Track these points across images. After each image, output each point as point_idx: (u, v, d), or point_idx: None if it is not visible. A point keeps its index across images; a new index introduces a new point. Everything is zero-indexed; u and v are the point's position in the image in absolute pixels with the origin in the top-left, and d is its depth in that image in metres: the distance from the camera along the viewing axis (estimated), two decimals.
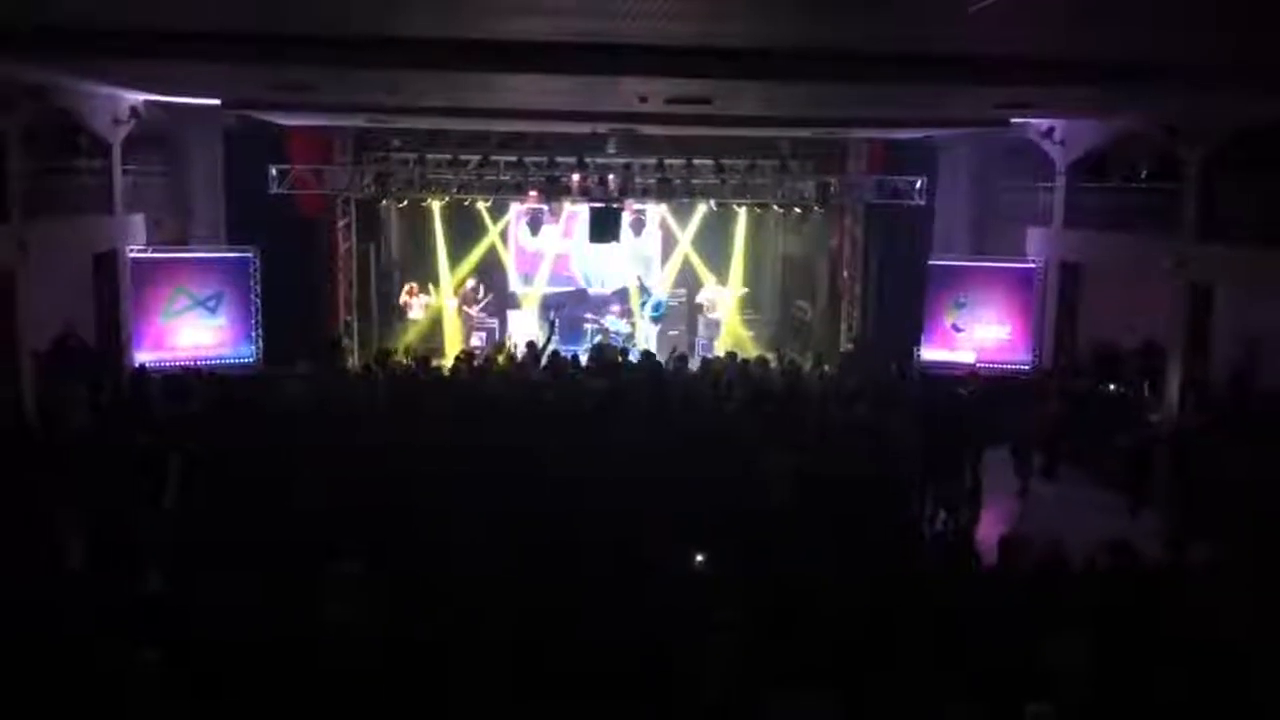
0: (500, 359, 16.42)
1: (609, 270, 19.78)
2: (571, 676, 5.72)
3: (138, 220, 15.90)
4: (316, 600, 6.45)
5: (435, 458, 9.99)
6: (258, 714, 5.28)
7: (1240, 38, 8.28)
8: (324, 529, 8.05)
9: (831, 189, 17.63)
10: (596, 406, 12.28)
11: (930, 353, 17.43)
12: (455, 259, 18.96)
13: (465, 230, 18.91)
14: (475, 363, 15.43)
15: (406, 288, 19.10)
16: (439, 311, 19.03)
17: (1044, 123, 15.99)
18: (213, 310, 16.54)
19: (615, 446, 10.55)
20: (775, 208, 18.03)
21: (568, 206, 18.26)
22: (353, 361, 17.69)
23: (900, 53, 9.39)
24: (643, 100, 11.90)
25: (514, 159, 17.15)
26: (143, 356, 15.67)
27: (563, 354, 16.03)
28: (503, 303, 19.61)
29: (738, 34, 8.72)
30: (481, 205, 18.08)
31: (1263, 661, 5.85)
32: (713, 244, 19.29)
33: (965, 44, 9.05)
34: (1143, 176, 15.28)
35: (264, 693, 5.49)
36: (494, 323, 19.36)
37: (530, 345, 17.00)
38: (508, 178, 17.11)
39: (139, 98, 14.73)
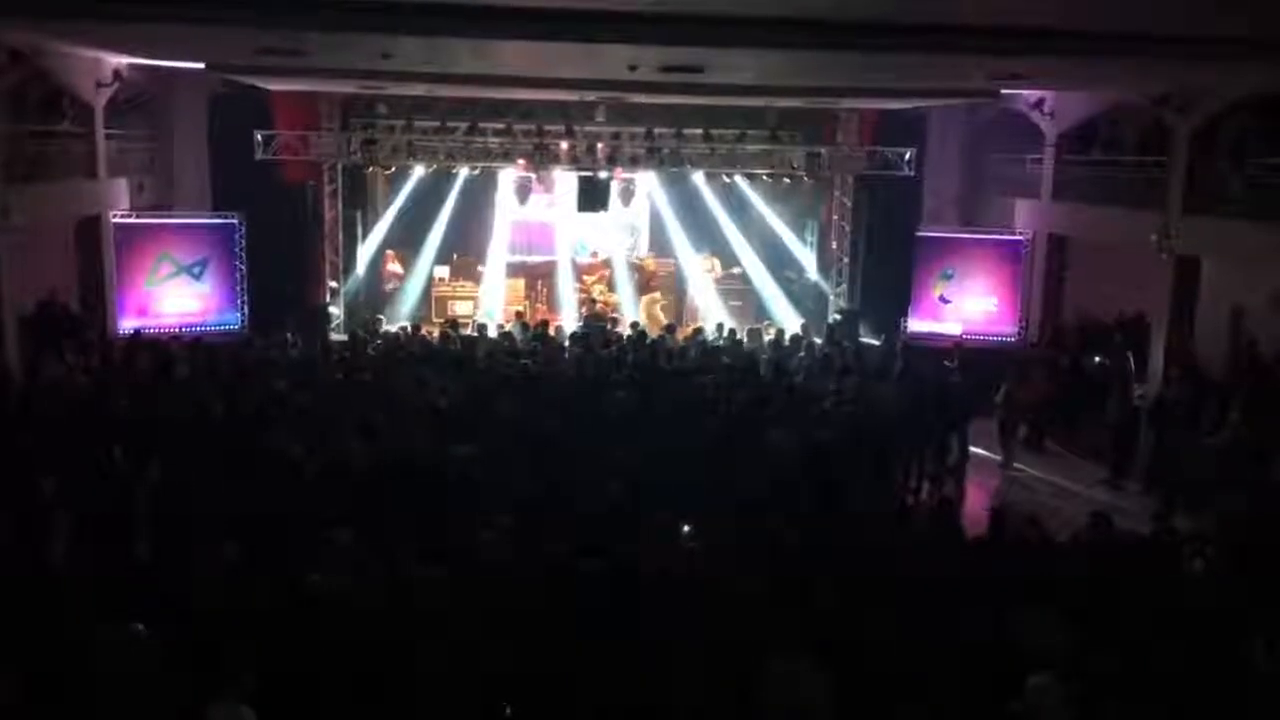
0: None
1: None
2: (564, 645, 5.75)
3: (121, 185, 15.75)
4: (305, 570, 6.44)
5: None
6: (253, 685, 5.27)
7: (1243, 9, 8.24)
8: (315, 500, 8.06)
9: (821, 159, 17.58)
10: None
11: (917, 324, 17.47)
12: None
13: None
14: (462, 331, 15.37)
15: (392, 255, 18.97)
16: (424, 280, 18.88)
17: (1034, 94, 15.97)
18: (197, 277, 16.42)
19: (608, 418, 10.58)
20: (765, 177, 17.95)
21: (556, 175, 18.12)
22: (337, 326, 17.65)
23: (897, 21, 9.31)
24: (633, 69, 11.80)
25: (502, 126, 17.03)
26: (127, 323, 15.56)
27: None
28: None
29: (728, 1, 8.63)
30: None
31: (1247, 630, 5.93)
32: (699, 213, 19.15)
33: (961, 13, 8.99)
34: (1131, 149, 15.29)
35: (255, 662, 5.49)
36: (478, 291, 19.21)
37: (518, 315, 16.96)
38: (495, 145, 16.98)
39: (122, 60, 14.52)
